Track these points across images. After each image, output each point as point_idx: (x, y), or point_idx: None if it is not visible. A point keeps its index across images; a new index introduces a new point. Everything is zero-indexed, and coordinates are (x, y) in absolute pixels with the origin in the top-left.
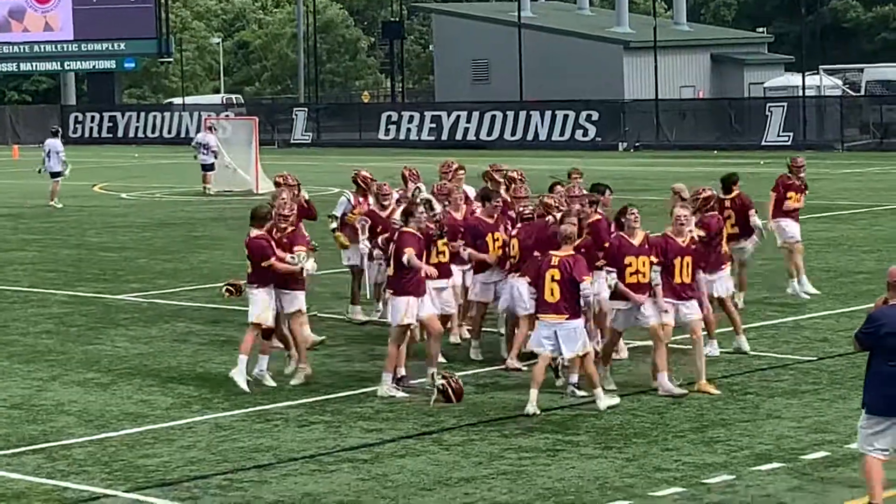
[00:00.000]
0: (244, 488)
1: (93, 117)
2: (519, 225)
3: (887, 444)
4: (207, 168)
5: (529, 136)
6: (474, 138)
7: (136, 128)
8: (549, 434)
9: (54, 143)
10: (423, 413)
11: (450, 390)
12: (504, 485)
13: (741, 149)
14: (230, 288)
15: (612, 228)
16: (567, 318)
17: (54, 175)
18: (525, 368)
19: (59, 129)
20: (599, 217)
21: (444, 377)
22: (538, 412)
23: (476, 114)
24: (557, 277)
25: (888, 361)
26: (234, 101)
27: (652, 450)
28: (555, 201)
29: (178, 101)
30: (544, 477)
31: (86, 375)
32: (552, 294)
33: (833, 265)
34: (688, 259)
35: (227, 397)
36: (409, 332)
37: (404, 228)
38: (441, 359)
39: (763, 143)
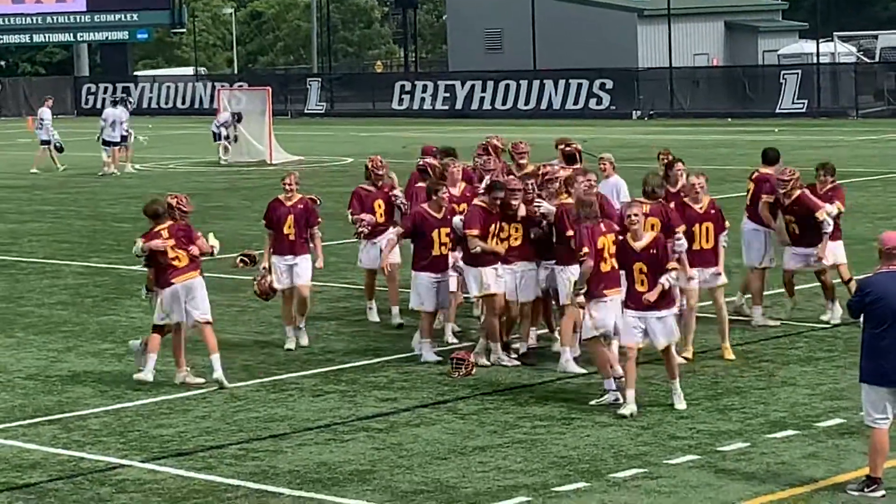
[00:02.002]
0: (259, 458)
1: (106, 88)
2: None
3: (885, 413)
4: (113, 144)
5: (543, 105)
6: (488, 107)
7: (150, 98)
8: (564, 403)
9: (117, 113)
10: (438, 382)
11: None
12: (519, 453)
13: (755, 117)
14: (244, 258)
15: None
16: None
17: (115, 143)
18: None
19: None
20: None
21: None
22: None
23: (490, 83)
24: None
25: (873, 329)
26: (204, 74)
27: (666, 418)
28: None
29: (144, 73)
30: (559, 445)
31: (101, 346)
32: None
33: (847, 232)
34: (707, 225)
35: (243, 367)
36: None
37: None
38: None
39: (777, 111)
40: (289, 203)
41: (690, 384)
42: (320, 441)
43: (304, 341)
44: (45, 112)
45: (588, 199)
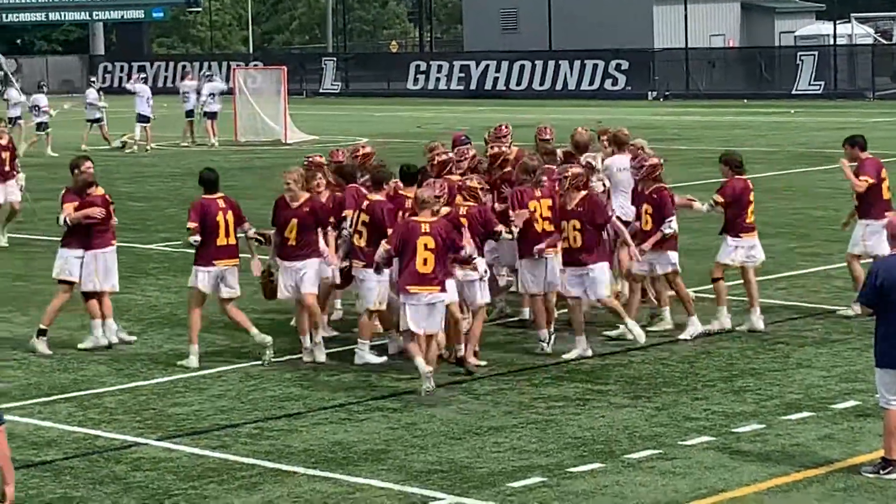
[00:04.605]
0: (274, 437)
1: (122, 67)
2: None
3: None
4: (145, 120)
5: (558, 86)
6: (503, 88)
7: (166, 77)
8: (579, 383)
9: (146, 89)
10: (453, 363)
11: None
12: (533, 434)
13: (772, 98)
14: (258, 237)
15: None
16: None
17: (144, 119)
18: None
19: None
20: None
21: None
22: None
23: (505, 63)
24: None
25: (887, 312)
26: (219, 53)
27: (681, 399)
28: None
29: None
30: (574, 426)
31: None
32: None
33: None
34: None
35: (258, 346)
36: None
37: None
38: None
39: (794, 93)
40: (294, 205)
41: (706, 366)
42: (335, 420)
43: (321, 357)
44: (91, 94)
45: (530, 165)
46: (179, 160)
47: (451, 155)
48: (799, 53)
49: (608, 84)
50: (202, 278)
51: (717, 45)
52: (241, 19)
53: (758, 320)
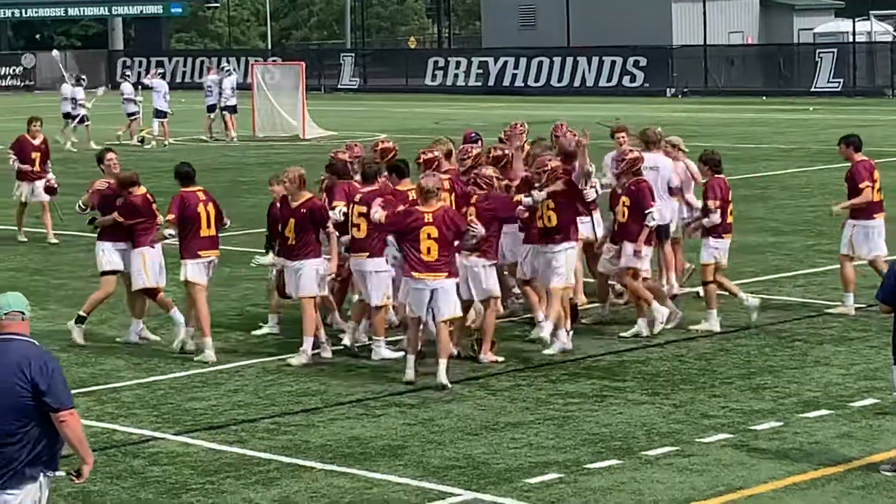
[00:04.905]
0: (291, 432)
1: (140, 62)
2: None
3: None
4: (163, 115)
5: (576, 83)
6: (521, 84)
7: (184, 73)
8: (596, 380)
9: (164, 84)
10: (470, 358)
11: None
12: (551, 430)
13: (790, 95)
14: None
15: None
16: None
17: (161, 115)
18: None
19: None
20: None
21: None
22: None
23: (523, 59)
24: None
25: None
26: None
27: (699, 396)
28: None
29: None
30: (591, 422)
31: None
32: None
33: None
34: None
35: (275, 342)
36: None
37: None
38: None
39: (812, 90)
40: (294, 204)
41: (723, 363)
42: (352, 416)
43: (326, 354)
44: (127, 88)
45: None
46: (198, 155)
47: (437, 153)
48: (818, 50)
49: (626, 81)
50: (193, 270)
51: (736, 42)
52: (260, 15)
53: (715, 322)
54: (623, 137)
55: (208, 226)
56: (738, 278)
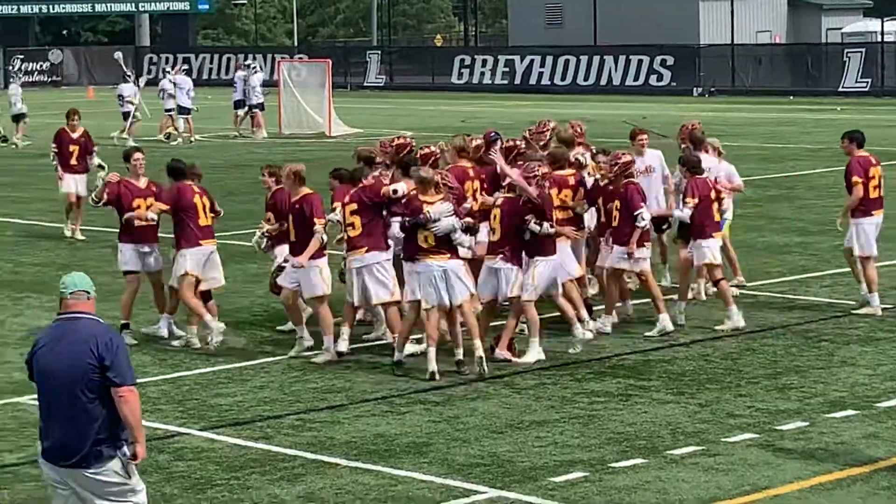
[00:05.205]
0: (316, 428)
1: (167, 59)
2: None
3: None
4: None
5: (603, 81)
6: (548, 83)
7: (210, 69)
8: (622, 379)
9: (188, 80)
10: (495, 356)
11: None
12: (576, 429)
13: (818, 95)
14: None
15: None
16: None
17: (186, 111)
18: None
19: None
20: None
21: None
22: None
23: (549, 58)
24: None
25: None
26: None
27: (725, 396)
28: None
29: None
30: (616, 421)
31: (159, 315)
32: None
33: None
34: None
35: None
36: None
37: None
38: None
39: (840, 90)
40: (293, 199)
41: (749, 362)
42: (377, 413)
43: (342, 347)
44: (166, 84)
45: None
46: (223, 152)
47: (434, 148)
48: (846, 50)
49: (653, 80)
50: (192, 260)
51: (764, 42)
52: (286, 12)
53: (737, 317)
54: (644, 140)
55: (205, 215)
56: (765, 278)
